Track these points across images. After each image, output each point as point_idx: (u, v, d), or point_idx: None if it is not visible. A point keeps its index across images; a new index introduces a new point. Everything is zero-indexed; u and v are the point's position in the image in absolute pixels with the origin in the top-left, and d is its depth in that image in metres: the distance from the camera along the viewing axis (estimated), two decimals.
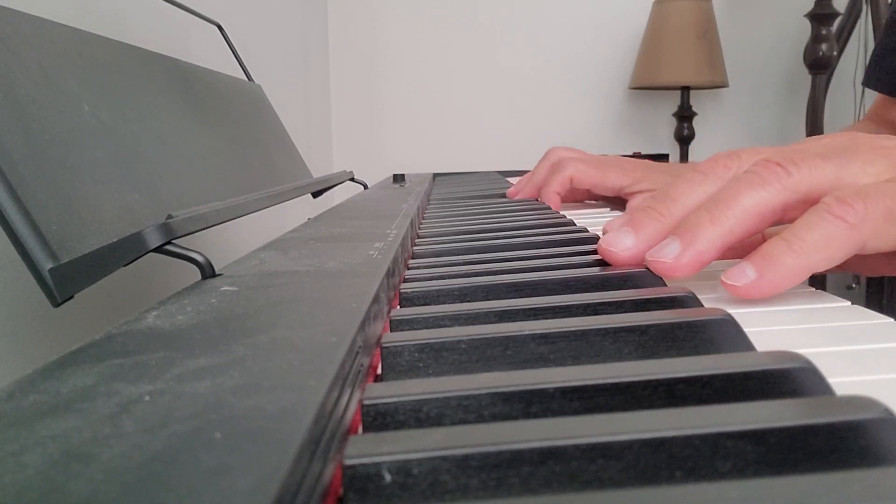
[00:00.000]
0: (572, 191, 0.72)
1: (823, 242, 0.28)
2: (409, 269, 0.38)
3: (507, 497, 0.14)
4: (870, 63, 0.86)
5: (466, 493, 0.14)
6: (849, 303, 0.28)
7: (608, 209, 0.74)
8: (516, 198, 0.74)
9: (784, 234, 0.29)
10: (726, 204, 0.31)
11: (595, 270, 0.32)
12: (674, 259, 0.31)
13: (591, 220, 0.62)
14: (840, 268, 0.33)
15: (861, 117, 1.72)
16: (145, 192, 0.39)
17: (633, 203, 0.64)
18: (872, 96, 0.86)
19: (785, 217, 0.32)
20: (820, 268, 0.28)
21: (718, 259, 0.36)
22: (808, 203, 0.30)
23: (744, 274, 0.29)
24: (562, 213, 0.60)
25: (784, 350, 0.19)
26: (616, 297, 0.27)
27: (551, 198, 0.69)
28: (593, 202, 0.78)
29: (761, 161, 0.32)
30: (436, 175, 1.38)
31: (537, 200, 0.71)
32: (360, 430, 0.18)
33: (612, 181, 0.69)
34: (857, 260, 0.33)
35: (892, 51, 0.81)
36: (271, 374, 0.16)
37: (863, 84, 0.87)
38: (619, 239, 0.34)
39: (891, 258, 0.34)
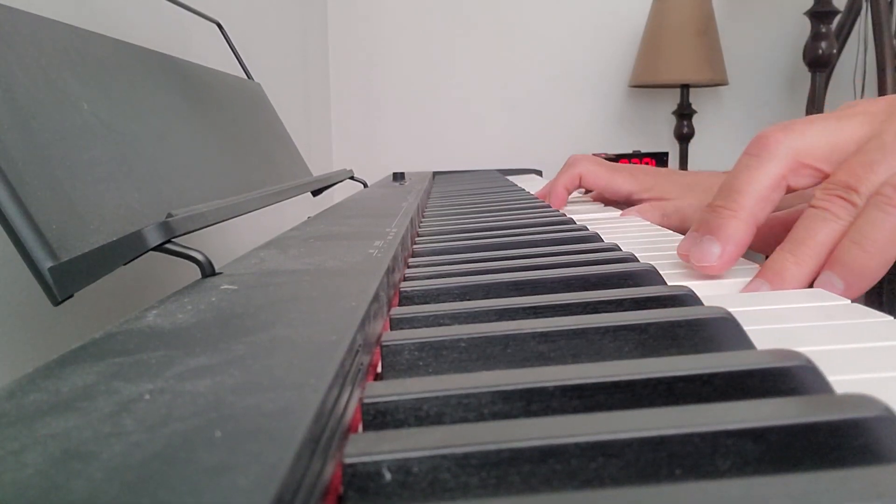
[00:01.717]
0: (591, 193, 0.74)
1: (893, 236, 0.29)
2: (409, 267, 0.37)
3: (507, 495, 0.14)
4: None
5: (466, 491, 0.14)
6: (848, 301, 0.28)
7: (601, 205, 0.74)
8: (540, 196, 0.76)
9: (852, 235, 0.30)
10: (740, 193, 0.33)
11: (595, 269, 0.32)
12: (718, 260, 0.33)
13: (590, 218, 0.62)
14: None
15: None
16: (145, 190, 0.39)
17: (639, 207, 0.64)
18: (872, 94, 0.84)
19: (787, 183, 0.34)
20: (894, 259, 0.29)
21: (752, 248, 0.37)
22: (805, 168, 0.32)
23: (833, 285, 0.30)
24: (561, 211, 0.60)
25: (784, 348, 0.19)
26: (616, 296, 0.27)
27: (558, 192, 0.70)
28: (586, 201, 0.79)
29: (753, 139, 0.34)
30: (436, 173, 1.38)
31: (537, 198, 0.72)
32: (361, 428, 0.18)
33: (620, 185, 0.70)
34: None
35: None
36: (271, 372, 0.16)
37: None
38: (707, 249, 0.34)
39: None
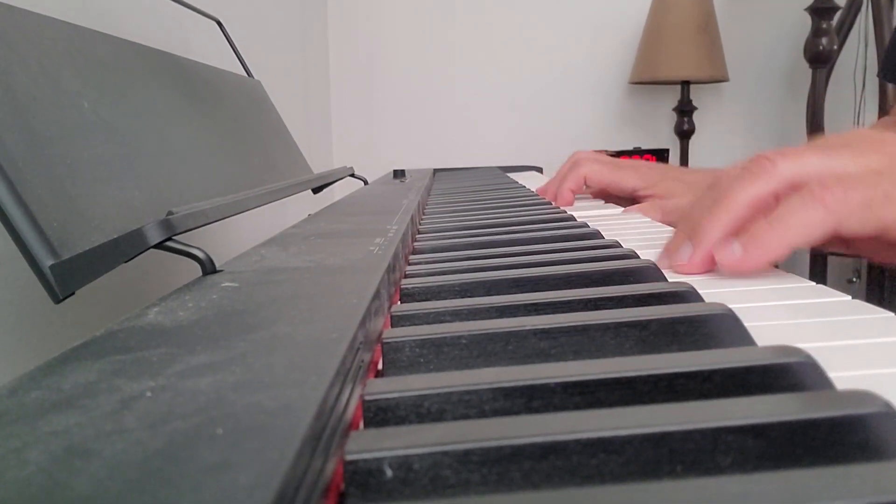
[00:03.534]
0: (595, 190, 0.75)
1: (801, 223, 0.31)
2: (409, 264, 0.38)
3: (508, 492, 0.14)
4: (887, 54, 0.82)
5: (468, 488, 0.14)
6: (849, 297, 0.28)
7: (602, 202, 0.74)
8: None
9: (768, 216, 0.32)
10: (723, 203, 0.35)
11: (596, 265, 0.32)
12: (689, 259, 0.35)
13: (591, 215, 0.62)
14: (827, 246, 0.37)
15: (862, 111, 1.71)
16: (146, 188, 0.39)
17: (640, 206, 0.65)
18: (873, 90, 0.83)
19: (779, 201, 0.35)
20: (798, 245, 0.32)
21: None
22: (797, 189, 0.33)
23: (731, 251, 0.33)
24: (562, 208, 0.60)
25: (784, 344, 0.19)
26: (617, 292, 0.27)
27: (564, 194, 0.71)
28: (587, 197, 0.79)
29: (753, 157, 0.35)
30: (436, 171, 1.38)
31: (538, 195, 0.72)
32: (362, 425, 0.18)
33: (626, 182, 0.71)
34: (842, 242, 0.36)
35: None
36: (272, 370, 0.16)
37: (879, 76, 0.83)
38: (680, 250, 0.37)
39: (876, 243, 0.36)
